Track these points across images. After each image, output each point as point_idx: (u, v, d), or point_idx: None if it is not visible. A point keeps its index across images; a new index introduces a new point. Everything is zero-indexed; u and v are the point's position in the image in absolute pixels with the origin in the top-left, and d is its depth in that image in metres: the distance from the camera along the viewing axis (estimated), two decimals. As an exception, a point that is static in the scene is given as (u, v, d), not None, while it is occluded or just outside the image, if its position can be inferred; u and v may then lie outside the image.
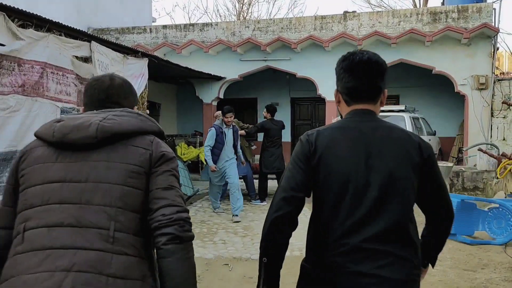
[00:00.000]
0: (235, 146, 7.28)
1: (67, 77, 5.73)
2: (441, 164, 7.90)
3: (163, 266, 1.29)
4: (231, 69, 12.07)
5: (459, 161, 11.42)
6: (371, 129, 1.58)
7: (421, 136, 10.13)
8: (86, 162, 1.33)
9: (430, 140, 11.18)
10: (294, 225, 1.64)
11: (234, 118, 7.93)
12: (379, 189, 1.50)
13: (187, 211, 1.41)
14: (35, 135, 1.44)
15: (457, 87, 10.50)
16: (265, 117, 8.38)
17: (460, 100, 12.84)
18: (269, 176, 8.26)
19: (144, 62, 7.65)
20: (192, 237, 1.37)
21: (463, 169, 9.34)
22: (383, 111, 11.13)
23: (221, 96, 12.39)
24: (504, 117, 10.14)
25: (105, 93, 1.55)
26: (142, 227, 1.34)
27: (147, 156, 1.38)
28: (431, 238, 1.76)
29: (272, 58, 11.79)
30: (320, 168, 1.55)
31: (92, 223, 1.27)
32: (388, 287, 1.45)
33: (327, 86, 11.33)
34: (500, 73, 10.33)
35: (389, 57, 10.84)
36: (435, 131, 11.86)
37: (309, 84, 13.44)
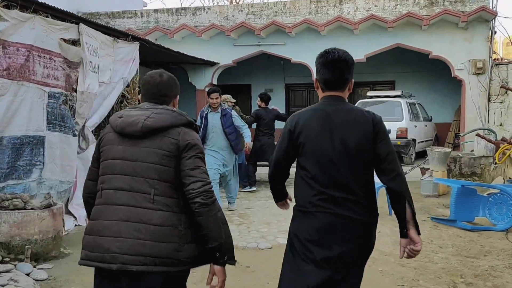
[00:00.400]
0: (229, 133, 6.18)
1: (54, 61, 5.51)
2: (438, 149, 7.81)
3: (198, 222, 1.89)
4: (225, 54, 11.84)
5: (456, 146, 11.36)
6: (334, 110, 2.16)
7: (418, 122, 10.02)
8: (136, 147, 1.95)
9: (426, 126, 11.10)
10: (285, 177, 2.39)
11: (235, 106, 7.82)
12: (342, 154, 2.09)
13: (210, 183, 1.93)
14: (109, 122, 2.08)
15: (454, 72, 10.38)
16: (259, 106, 8.21)
17: (456, 85, 12.74)
18: (259, 163, 8.15)
19: (135, 46, 7.43)
20: (214, 200, 1.91)
21: (460, 154, 9.26)
22: (379, 96, 11.04)
23: (215, 82, 12.17)
24: (501, 102, 10.06)
25: (157, 87, 2.09)
26: (174, 192, 1.93)
27: (175, 144, 1.94)
28: (394, 204, 2.18)
29: (267, 43, 11.58)
30: (300, 140, 2.15)
31: (140, 189, 1.91)
32: (352, 224, 2.08)
33: (322, 72, 11.16)
34: (495, 59, 10.19)
35: (386, 42, 10.71)
36: (431, 116, 11.78)
37: (304, 69, 13.25)
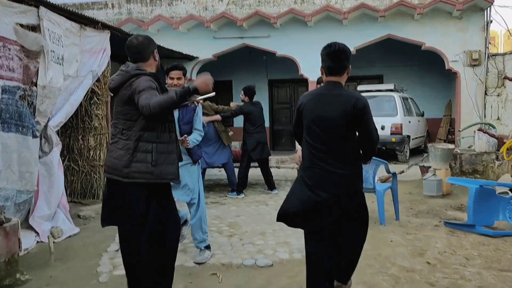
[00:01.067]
0: (185, 132, 4.17)
1: (9, 49, 4.70)
2: (440, 146, 7.30)
3: (153, 113, 2.66)
4: (204, 48, 11.13)
5: (450, 143, 10.95)
6: (328, 94, 2.89)
7: (411, 117, 9.53)
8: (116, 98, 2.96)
9: (419, 121, 10.62)
10: (301, 138, 3.08)
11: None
12: (326, 128, 2.86)
13: (149, 104, 2.60)
14: None
15: (448, 64, 9.94)
16: (242, 101, 7.52)
17: (447, 79, 12.38)
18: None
19: (106, 35, 6.65)
20: (154, 104, 2.60)
21: (458, 151, 8.80)
22: (370, 90, 10.51)
23: (194, 78, 11.42)
24: (498, 95, 9.67)
25: (135, 48, 2.97)
26: (132, 126, 2.83)
27: (129, 94, 2.79)
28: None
29: (249, 35, 10.92)
30: (302, 115, 2.98)
31: (117, 125, 2.88)
32: (338, 177, 2.85)
33: (309, 65, 10.57)
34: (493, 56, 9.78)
35: (376, 33, 10.21)
36: (423, 111, 11.33)
37: (288, 64, 12.66)
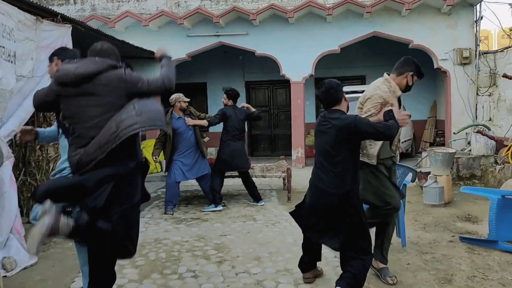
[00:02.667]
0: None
1: None
2: (441, 150, 6.85)
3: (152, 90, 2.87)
4: (177, 47, 10.40)
5: (439, 145, 10.62)
6: (329, 117, 3.33)
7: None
8: None
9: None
10: None
11: (189, 106, 6.65)
12: (321, 149, 3.41)
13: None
14: None
15: (437, 63, 9.60)
16: (225, 105, 6.86)
17: (431, 79, 12.10)
18: (227, 173, 6.85)
19: (66, 30, 5.89)
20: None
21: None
22: (355, 91, 10.00)
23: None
24: (489, 95, 9.38)
25: (98, 54, 2.88)
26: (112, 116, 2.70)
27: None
28: None
29: (226, 33, 10.28)
30: None
31: None
32: (327, 195, 3.28)
33: (291, 65, 10.04)
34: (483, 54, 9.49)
35: (361, 30, 9.78)
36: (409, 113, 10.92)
37: (266, 64, 12.11)
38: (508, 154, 6.83)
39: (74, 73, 2.60)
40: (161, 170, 9.87)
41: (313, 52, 9.96)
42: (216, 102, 13.02)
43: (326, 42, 9.92)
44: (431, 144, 11.98)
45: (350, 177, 3.23)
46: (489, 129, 8.30)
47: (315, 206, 3.35)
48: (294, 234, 5.12)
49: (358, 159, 3.37)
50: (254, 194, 6.85)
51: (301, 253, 4.35)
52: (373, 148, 3.48)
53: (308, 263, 3.73)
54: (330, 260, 4.19)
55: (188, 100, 6.78)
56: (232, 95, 6.79)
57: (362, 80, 12.77)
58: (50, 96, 2.77)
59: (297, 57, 9.98)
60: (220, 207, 6.54)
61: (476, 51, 9.32)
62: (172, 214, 6.41)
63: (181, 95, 6.73)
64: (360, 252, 3.22)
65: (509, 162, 7.20)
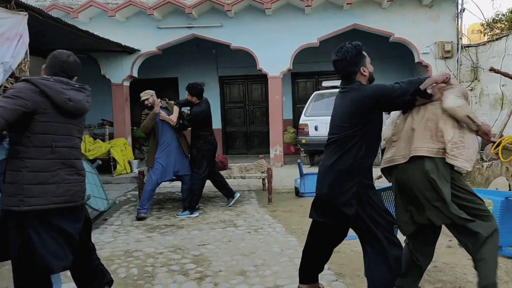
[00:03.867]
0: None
1: None
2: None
3: None
4: (147, 39, 9.83)
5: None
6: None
7: (384, 116, 8.76)
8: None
9: (386, 119, 9.97)
10: None
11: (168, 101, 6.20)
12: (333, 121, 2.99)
13: None
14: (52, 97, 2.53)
15: (419, 57, 9.37)
16: (192, 102, 6.25)
17: (410, 74, 11.90)
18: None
19: (22, 18, 5.30)
20: None
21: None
22: (337, 87, 9.70)
23: (135, 75, 10.11)
24: (471, 90, 9.21)
25: (62, 66, 2.61)
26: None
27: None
28: None
29: (199, 25, 9.77)
30: None
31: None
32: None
33: (269, 59, 9.62)
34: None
35: (341, 22, 9.45)
36: (390, 109, 10.67)
37: (241, 59, 11.66)
38: (497, 151, 6.62)
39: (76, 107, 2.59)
40: (131, 171, 9.30)
41: (291, 45, 9.57)
42: (189, 98, 12.47)
43: (304, 35, 9.54)
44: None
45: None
46: (473, 124, 8.09)
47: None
48: (280, 242, 4.71)
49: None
50: (226, 188, 6.43)
51: (291, 265, 3.96)
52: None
53: (310, 273, 3.15)
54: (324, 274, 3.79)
55: (147, 97, 6.12)
56: (195, 90, 6.09)
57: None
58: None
59: (274, 51, 9.57)
60: (196, 214, 6.05)
61: (458, 44, 9.13)
62: (145, 218, 5.93)
63: (144, 93, 6.18)
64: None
65: (496, 159, 7.00)
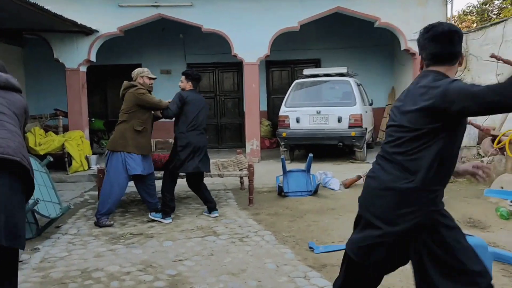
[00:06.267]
0: None
1: None
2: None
3: None
4: (107, 19, 8.84)
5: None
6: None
7: (366, 107, 8.22)
8: None
9: (366, 112, 9.38)
10: None
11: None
12: None
13: None
14: None
15: (406, 43, 8.82)
16: (183, 89, 5.43)
17: (390, 64, 11.46)
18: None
19: None
20: None
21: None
22: (317, 75, 9.04)
23: (93, 59, 9.06)
24: (460, 80, 8.73)
25: None
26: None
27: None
28: None
29: (166, 3, 8.84)
30: None
31: None
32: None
33: (245, 44, 8.83)
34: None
35: (324, 4, 8.80)
36: (372, 100, 10.15)
37: (212, 44, 10.86)
38: (502, 145, 6.13)
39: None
40: (89, 168, 8.32)
41: (269, 29, 8.81)
42: (153, 87, 11.50)
43: (284, 17, 8.80)
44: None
45: None
46: (466, 117, 7.61)
47: None
48: (273, 256, 3.97)
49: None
50: (209, 200, 5.55)
51: (293, 287, 3.24)
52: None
53: None
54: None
55: (155, 77, 5.42)
56: (192, 75, 5.38)
57: (316, 64, 11.85)
58: None
59: (251, 35, 8.78)
60: (169, 220, 5.21)
61: (447, 31, 8.62)
62: (112, 225, 5.07)
63: (146, 69, 5.41)
64: None
65: (496, 155, 6.52)
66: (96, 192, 6.01)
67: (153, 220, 5.23)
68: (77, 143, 8.18)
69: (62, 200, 5.19)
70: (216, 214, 5.40)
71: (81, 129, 8.80)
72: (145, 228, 5.00)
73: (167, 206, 5.21)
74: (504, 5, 17.56)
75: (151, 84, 5.33)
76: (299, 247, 4.23)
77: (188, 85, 5.29)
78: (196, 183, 5.47)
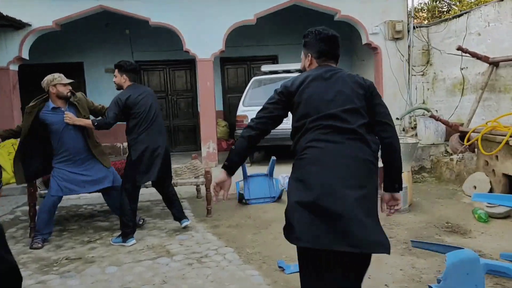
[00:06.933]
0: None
1: None
2: (401, 140, 5.62)
3: None
4: (40, 11, 7.95)
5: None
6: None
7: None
8: None
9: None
10: None
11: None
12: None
13: None
14: None
15: (367, 38, 8.47)
16: (120, 87, 4.70)
17: (348, 59, 11.16)
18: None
19: None
20: None
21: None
22: (276, 72, 8.55)
23: (25, 56, 8.12)
24: (423, 75, 8.52)
25: None
26: None
27: None
28: (390, 155, 2.19)
29: (109, -6, 8.05)
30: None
31: None
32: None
33: (198, 38, 8.22)
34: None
35: (279, -3, 8.26)
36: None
37: (163, 40, 10.18)
38: (472, 142, 5.84)
39: None
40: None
41: (224, 22, 8.21)
42: (97, 87, 10.67)
43: (240, 10, 8.23)
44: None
45: None
46: (429, 111, 7.36)
47: None
48: (238, 280, 3.40)
49: None
50: (177, 209, 4.86)
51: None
52: None
53: None
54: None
55: (70, 81, 4.57)
56: (127, 67, 4.53)
57: (274, 61, 11.37)
58: None
59: (204, 29, 8.15)
60: (132, 241, 4.47)
61: (409, 24, 8.37)
62: (41, 247, 4.33)
63: (57, 75, 4.55)
64: None
65: (464, 152, 6.26)
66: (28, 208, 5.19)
67: (95, 240, 4.54)
68: (8, 151, 7.26)
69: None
70: (186, 223, 4.77)
71: (14, 135, 7.84)
72: (85, 250, 4.30)
73: (126, 227, 4.48)
74: (454, 2, 17.89)
75: (68, 91, 4.51)
76: (267, 266, 3.69)
77: (123, 79, 4.50)
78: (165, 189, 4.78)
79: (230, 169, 2.26)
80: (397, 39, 8.37)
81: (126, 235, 4.40)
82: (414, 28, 8.33)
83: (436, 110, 8.09)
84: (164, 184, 4.70)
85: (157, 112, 4.52)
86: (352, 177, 1.97)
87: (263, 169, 6.52)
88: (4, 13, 7.08)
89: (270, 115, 2.26)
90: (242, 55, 11.09)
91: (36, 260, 4.05)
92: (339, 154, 2.02)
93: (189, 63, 10.78)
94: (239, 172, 6.10)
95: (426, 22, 17.75)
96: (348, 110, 2.10)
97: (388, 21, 8.36)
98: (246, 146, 2.26)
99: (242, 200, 5.97)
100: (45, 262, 4.01)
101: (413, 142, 5.40)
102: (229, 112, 11.22)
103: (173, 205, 4.76)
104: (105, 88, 10.26)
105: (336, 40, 2.41)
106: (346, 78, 2.22)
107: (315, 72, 2.27)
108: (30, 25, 7.93)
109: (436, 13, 18.25)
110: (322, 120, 2.10)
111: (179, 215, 4.79)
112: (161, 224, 5.09)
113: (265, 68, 8.63)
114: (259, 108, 2.35)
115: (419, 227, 4.62)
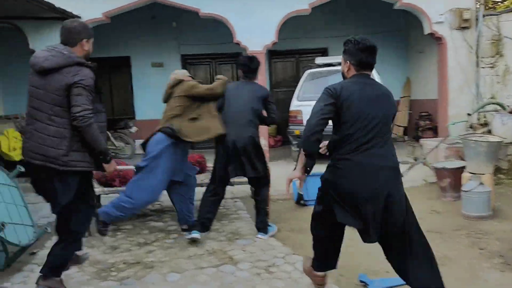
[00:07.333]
0: None
1: None
2: (483, 139, 5.10)
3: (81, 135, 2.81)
4: (90, 2, 7.80)
5: (425, 130, 9.10)
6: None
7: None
8: (43, 80, 2.84)
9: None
10: None
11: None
12: None
13: (87, 109, 2.76)
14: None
15: (431, 27, 7.90)
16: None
17: (402, 53, 10.58)
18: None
19: None
20: (89, 124, 2.76)
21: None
22: (332, 64, 8.10)
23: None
24: (492, 67, 7.87)
25: (65, 32, 2.93)
26: (66, 114, 2.79)
27: (65, 80, 2.76)
28: None
29: (159, -15, 7.83)
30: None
31: (43, 110, 2.83)
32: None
33: (249, 29, 7.89)
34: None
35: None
36: (389, 92, 9.21)
37: (209, 33, 9.92)
38: None
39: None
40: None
41: (277, 12, 7.84)
42: (143, 82, 10.52)
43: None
44: (406, 129, 10.50)
45: None
46: (504, 108, 6.76)
47: None
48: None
49: None
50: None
51: None
52: None
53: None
54: None
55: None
56: (249, 65, 4.54)
57: (323, 53, 10.91)
58: None
59: (256, 19, 7.80)
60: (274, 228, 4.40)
61: (478, 11, 7.74)
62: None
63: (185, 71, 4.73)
64: None
65: None
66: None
67: (151, 243, 4.27)
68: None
69: (36, 222, 4.19)
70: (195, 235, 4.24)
71: (63, 130, 7.77)
72: (142, 253, 4.03)
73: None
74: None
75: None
76: (346, 280, 3.31)
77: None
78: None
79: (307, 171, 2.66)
80: (464, 28, 7.76)
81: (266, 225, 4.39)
82: (483, 16, 7.69)
83: (508, 106, 7.44)
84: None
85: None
86: None
87: (320, 168, 6.12)
88: (56, 5, 6.96)
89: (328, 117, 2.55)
90: (290, 48, 10.70)
91: (93, 263, 3.81)
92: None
93: (237, 57, 10.46)
94: (287, 169, 5.72)
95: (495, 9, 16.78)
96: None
97: (455, 9, 7.75)
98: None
99: (300, 201, 5.61)
100: (101, 265, 3.76)
101: (497, 141, 4.87)
102: (276, 107, 10.83)
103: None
104: (152, 83, 10.12)
105: (374, 51, 2.56)
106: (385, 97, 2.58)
107: (356, 87, 2.54)
108: (79, 17, 7.80)
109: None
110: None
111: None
112: (218, 226, 4.78)
113: (319, 60, 8.21)
114: (313, 103, 2.54)
115: (508, 236, 4.12)
